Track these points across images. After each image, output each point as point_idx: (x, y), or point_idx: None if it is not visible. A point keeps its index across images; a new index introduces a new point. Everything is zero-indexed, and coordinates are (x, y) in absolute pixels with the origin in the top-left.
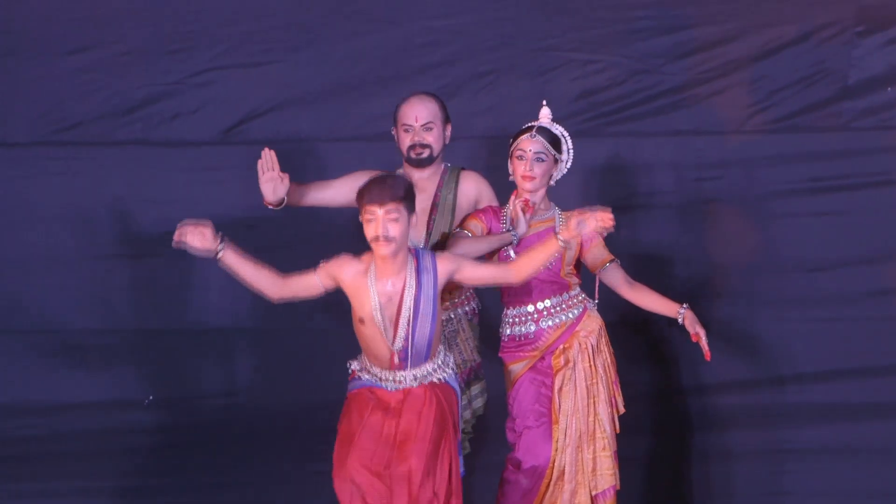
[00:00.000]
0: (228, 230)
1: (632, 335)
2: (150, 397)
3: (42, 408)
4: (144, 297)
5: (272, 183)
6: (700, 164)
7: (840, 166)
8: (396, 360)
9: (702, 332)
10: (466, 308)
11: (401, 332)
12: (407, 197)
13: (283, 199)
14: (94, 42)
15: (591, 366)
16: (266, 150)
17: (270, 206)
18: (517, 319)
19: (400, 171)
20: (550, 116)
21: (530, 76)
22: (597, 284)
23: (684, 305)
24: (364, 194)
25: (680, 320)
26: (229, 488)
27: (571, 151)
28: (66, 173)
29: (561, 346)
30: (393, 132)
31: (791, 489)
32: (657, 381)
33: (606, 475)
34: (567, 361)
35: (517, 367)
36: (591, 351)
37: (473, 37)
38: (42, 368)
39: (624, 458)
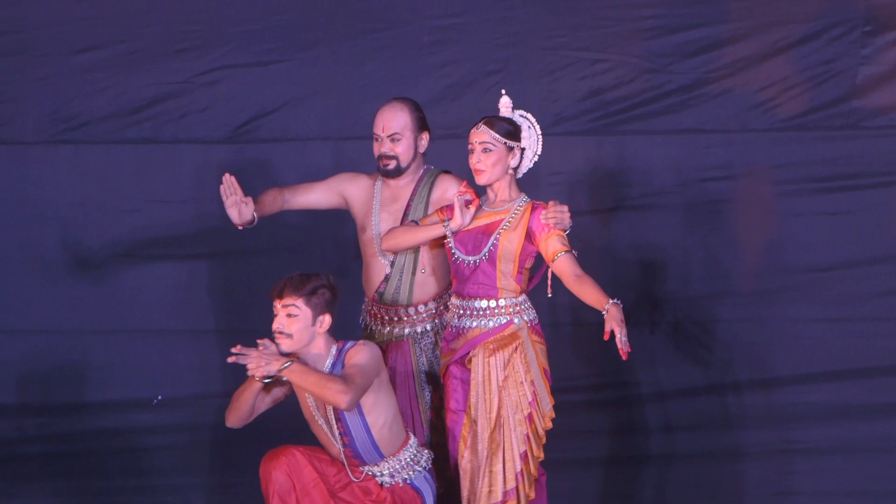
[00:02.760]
0: (235, 230)
1: (638, 335)
2: (159, 397)
3: (51, 408)
4: (153, 297)
5: (236, 207)
6: (708, 164)
7: (848, 165)
8: (347, 454)
9: (618, 331)
10: (445, 318)
11: (335, 430)
12: (313, 294)
13: (253, 219)
14: (102, 41)
15: (487, 380)
16: (227, 175)
17: (240, 227)
18: (452, 307)
19: (379, 176)
20: (511, 105)
21: (538, 75)
22: (549, 276)
23: (612, 301)
24: (272, 288)
25: (604, 314)
26: (238, 488)
27: (540, 138)
28: (75, 172)
29: (472, 352)
30: None
31: (800, 489)
32: (664, 381)
33: (493, 492)
34: (469, 369)
35: (444, 362)
36: (492, 366)
37: (481, 36)
38: (51, 369)
39: (633, 457)
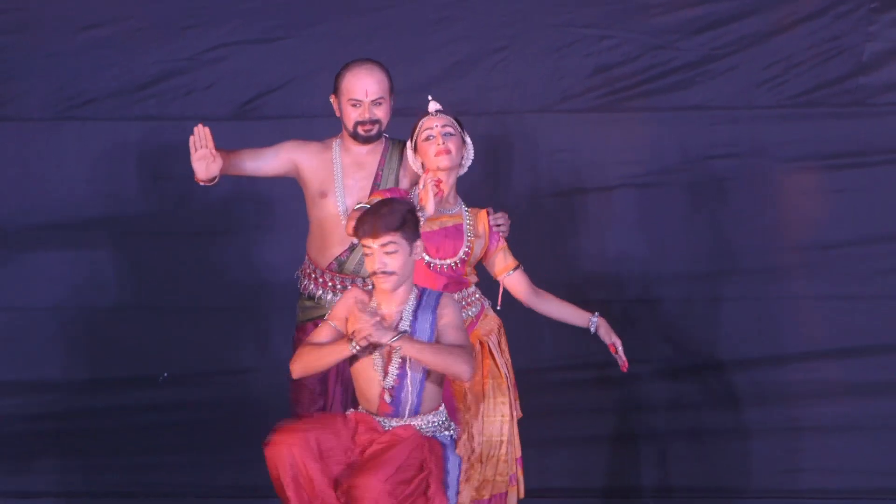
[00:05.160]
0: (240, 205)
1: (645, 313)
2: (165, 374)
3: (59, 384)
4: (161, 274)
5: (204, 161)
6: (714, 141)
7: (855, 143)
8: (387, 399)
9: (618, 342)
10: None
11: (392, 369)
12: (405, 225)
13: (216, 177)
14: (107, 18)
15: (495, 365)
16: (199, 126)
17: (201, 183)
18: None
19: (337, 140)
20: (440, 108)
21: (544, 52)
22: (500, 291)
23: (595, 314)
24: (358, 227)
25: (593, 329)
26: (246, 465)
27: (471, 145)
28: (80, 149)
29: None
30: (332, 100)
31: (807, 467)
32: (671, 359)
33: (498, 481)
34: None
35: None
36: (490, 350)
37: (487, 13)
38: (57, 346)
39: (639, 435)
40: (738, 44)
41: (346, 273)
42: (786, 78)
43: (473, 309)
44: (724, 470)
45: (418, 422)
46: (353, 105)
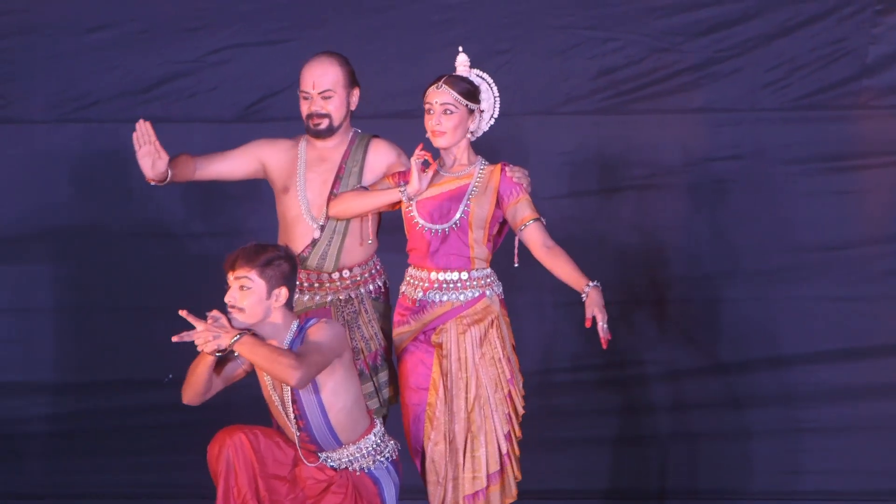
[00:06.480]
0: (241, 207)
1: (644, 313)
2: (170, 375)
3: (56, 386)
4: (165, 276)
5: (149, 157)
6: (718, 143)
7: (858, 145)
8: (302, 438)
9: (600, 317)
10: (370, 286)
11: (290, 413)
12: (267, 267)
13: (166, 174)
14: (112, 20)
15: (463, 358)
16: (141, 121)
17: (153, 183)
18: (411, 280)
19: (305, 136)
20: (468, 63)
21: (548, 54)
22: (516, 244)
23: (592, 283)
24: (225, 259)
25: (583, 298)
26: None
27: (498, 100)
28: (84, 151)
29: (440, 327)
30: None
31: (808, 468)
32: (673, 360)
33: (477, 478)
34: (440, 346)
35: (401, 336)
36: (468, 342)
37: (490, 14)
38: (57, 347)
39: (641, 436)
40: (742, 46)
41: (308, 269)
42: (789, 80)
43: (468, 294)
44: (725, 471)
45: (349, 453)
46: (304, 98)
